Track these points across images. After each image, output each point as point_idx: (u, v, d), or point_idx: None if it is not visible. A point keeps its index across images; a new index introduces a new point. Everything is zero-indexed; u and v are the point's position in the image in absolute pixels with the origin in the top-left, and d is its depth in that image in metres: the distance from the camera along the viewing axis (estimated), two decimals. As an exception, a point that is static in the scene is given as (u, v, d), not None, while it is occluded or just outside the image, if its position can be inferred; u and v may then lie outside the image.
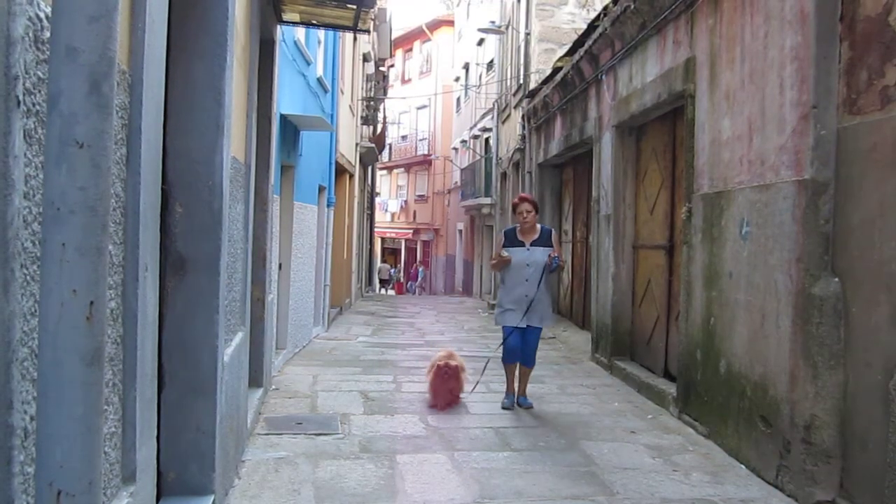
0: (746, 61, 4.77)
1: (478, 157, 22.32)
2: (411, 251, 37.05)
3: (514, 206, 6.17)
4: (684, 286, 5.74)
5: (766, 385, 4.33)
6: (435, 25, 32.40)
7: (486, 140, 21.28)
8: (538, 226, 6.08)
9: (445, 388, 5.88)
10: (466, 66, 26.06)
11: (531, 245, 5.96)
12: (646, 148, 7.56)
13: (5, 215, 1.26)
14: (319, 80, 9.83)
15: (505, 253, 5.95)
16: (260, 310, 5.61)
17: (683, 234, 5.84)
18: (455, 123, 29.26)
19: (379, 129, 21.49)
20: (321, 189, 10.79)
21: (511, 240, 6.05)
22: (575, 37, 10.20)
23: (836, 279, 3.82)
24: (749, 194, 4.65)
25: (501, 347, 6.11)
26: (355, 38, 14.54)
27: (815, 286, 3.88)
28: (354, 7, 5.64)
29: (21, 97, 1.31)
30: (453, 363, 5.95)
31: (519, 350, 6.00)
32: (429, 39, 32.98)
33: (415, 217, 35.25)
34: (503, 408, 5.93)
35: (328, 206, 11.42)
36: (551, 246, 5.98)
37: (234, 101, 3.57)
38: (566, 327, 11.26)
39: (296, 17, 5.99)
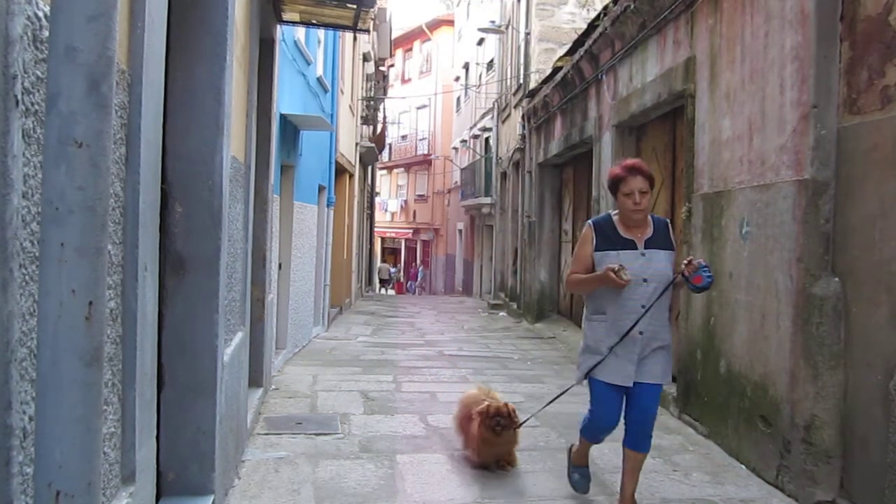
0: (747, 61, 4.76)
1: (478, 157, 22.32)
2: (411, 251, 37.04)
3: (616, 181, 3.57)
4: (684, 286, 5.74)
5: (766, 385, 4.33)
6: (435, 25, 32.39)
7: (486, 140, 21.28)
8: (649, 216, 3.67)
9: (492, 454, 4.31)
10: (466, 66, 26.05)
11: (646, 247, 3.57)
12: (646, 148, 7.56)
13: (4, 215, 1.26)
14: (319, 80, 9.82)
15: (617, 266, 3.41)
16: (260, 310, 5.61)
17: (683, 234, 5.84)
18: (455, 123, 29.25)
19: (379, 129, 21.49)
20: (321, 189, 10.79)
21: (610, 238, 3.60)
22: (575, 36, 10.20)
23: (837, 279, 3.82)
24: (749, 194, 4.65)
25: (587, 417, 3.78)
26: (355, 38, 14.53)
27: (815, 286, 3.88)
28: (354, 7, 5.64)
29: (20, 96, 1.31)
30: (502, 418, 4.19)
31: (616, 423, 3.67)
32: (429, 39, 32.96)
33: (415, 217, 35.24)
34: (576, 488, 3.96)
35: (328, 205, 11.42)
36: (673, 247, 3.65)
37: (233, 100, 3.57)
38: (566, 327, 11.26)
39: (296, 17, 5.99)
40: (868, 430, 3.57)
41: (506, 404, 4.28)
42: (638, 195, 3.50)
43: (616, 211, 3.70)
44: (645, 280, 3.51)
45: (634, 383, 3.55)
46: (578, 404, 6.18)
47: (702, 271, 3.45)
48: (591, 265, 3.62)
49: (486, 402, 4.28)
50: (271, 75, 5.73)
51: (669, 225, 3.75)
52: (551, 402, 4.29)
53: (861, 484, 3.66)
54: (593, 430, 3.77)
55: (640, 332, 3.51)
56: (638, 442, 3.64)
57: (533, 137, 13.27)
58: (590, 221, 3.77)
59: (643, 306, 3.49)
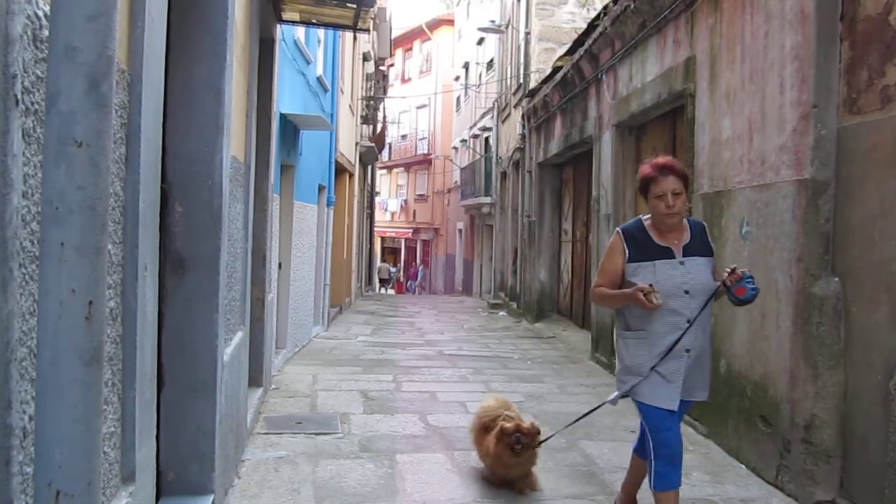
0: (747, 61, 4.76)
1: (478, 157, 22.32)
2: (411, 250, 37.04)
3: (647, 182, 3.21)
4: (684, 286, 5.73)
5: (766, 385, 4.33)
6: (435, 25, 32.39)
7: (486, 139, 21.28)
8: (685, 219, 3.32)
9: (507, 474, 3.98)
10: (466, 66, 26.06)
11: (685, 254, 3.21)
12: (646, 147, 7.55)
13: (4, 214, 1.26)
14: (319, 80, 9.82)
15: (647, 288, 3.05)
16: (259, 309, 5.60)
17: (683, 234, 5.83)
18: (455, 123, 29.25)
19: (379, 129, 21.49)
20: (321, 188, 10.78)
21: (643, 247, 3.23)
22: (575, 36, 10.20)
23: (837, 279, 3.82)
24: (749, 194, 4.65)
25: (652, 457, 3.18)
26: (355, 38, 14.53)
27: (815, 286, 3.88)
28: (354, 6, 5.64)
29: (19, 96, 1.31)
30: (523, 437, 3.80)
31: (681, 454, 3.21)
32: (429, 39, 32.96)
33: (414, 216, 35.25)
34: None
35: (328, 205, 11.42)
36: (712, 252, 3.31)
37: (233, 100, 3.57)
38: (566, 327, 11.27)
39: (296, 17, 5.99)
40: (868, 429, 3.57)
41: (531, 423, 3.89)
42: (671, 197, 3.13)
43: (647, 215, 3.31)
44: (686, 292, 3.14)
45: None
46: (578, 404, 6.20)
47: (745, 282, 3.08)
48: (619, 278, 3.25)
49: (511, 420, 3.87)
50: (271, 75, 5.73)
51: (706, 227, 3.39)
52: (580, 418, 3.85)
53: (861, 483, 3.66)
54: (665, 465, 3.15)
55: (687, 350, 3.14)
56: None
57: (533, 137, 13.27)
58: (619, 229, 3.34)
59: (688, 321, 3.13)
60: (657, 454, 3.17)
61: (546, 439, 3.94)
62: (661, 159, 3.28)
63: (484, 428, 4.05)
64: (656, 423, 3.18)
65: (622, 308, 3.29)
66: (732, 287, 3.10)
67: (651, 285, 3.06)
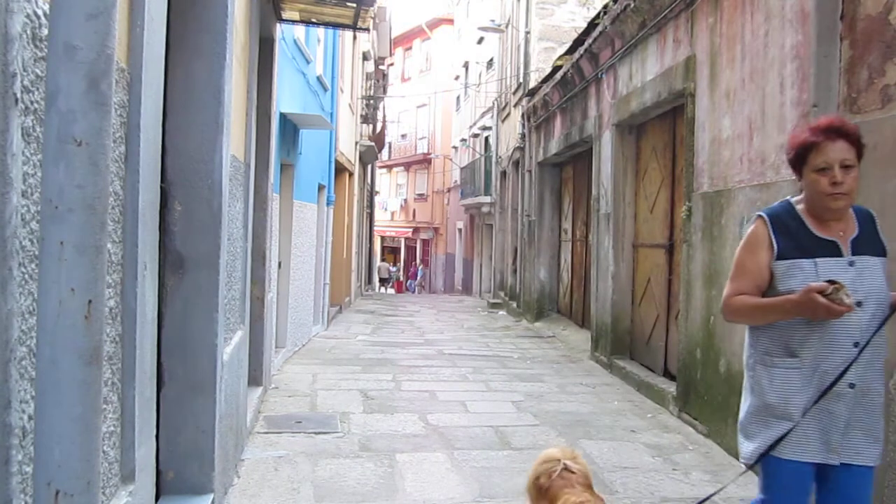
0: (747, 60, 4.76)
1: (477, 156, 22.32)
2: (411, 250, 37.05)
3: (804, 150, 2.37)
4: (684, 285, 5.74)
5: (765, 384, 4.32)
6: (435, 24, 32.38)
7: (486, 139, 21.28)
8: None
9: None
10: (466, 65, 26.06)
11: (854, 252, 2.33)
12: (646, 146, 7.55)
13: (3, 213, 1.25)
14: (319, 79, 9.82)
15: (829, 287, 2.19)
16: (259, 308, 5.60)
17: (683, 233, 5.84)
18: (455, 122, 29.25)
19: (379, 128, 21.48)
20: (321, 187, 10.78)
21: (798, 239, 2.36)
22: (575, 35, 10.19)
23: (837, 278, 3.81)
24: (749, 193, 4.65)
25: None
26: (355, 37, 14.52)
27: (815, 285, 3.87)
28: (354, 5, 5.64)
29: (19, 95, 1.30)
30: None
31: None
32: (428, 38, 32.96)
33: (414, 216, 35.25)
34: None
35: (328, 204, 11.42)
36: (885, 251, 2.40)
37: (233, 99, 3.56)
38: (565, 326, 11.27)
39: (295, 16, 5.99)
40: (868, 429, 3.57)
41: None
42: (839, 171, 2.26)
43: (798, 197, 2.46)
44: (858, 303, 2.24)
45: (839, 464, 2.34)
46: (577, 403, 6.20)
47: None
48: (766, 282, 2.37)
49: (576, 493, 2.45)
50: (271, 74, 5.72)
51: (875, 216, 2.46)
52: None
53: (861, 483, 3.65)
54: None
55: (851, 385, 2.27)
56: None
57: (533, 136, 13.27)
58: (762, 213, 2.44)
59: (856, 344, 2.26)
60: None
61: None
62: (826, 120, 2.40)
63: (540, 491, 2.76)
64: (781, 481, 2.37)
65: (772, 324, 2.39)
66: None
67: (832, 281, 2.19)
